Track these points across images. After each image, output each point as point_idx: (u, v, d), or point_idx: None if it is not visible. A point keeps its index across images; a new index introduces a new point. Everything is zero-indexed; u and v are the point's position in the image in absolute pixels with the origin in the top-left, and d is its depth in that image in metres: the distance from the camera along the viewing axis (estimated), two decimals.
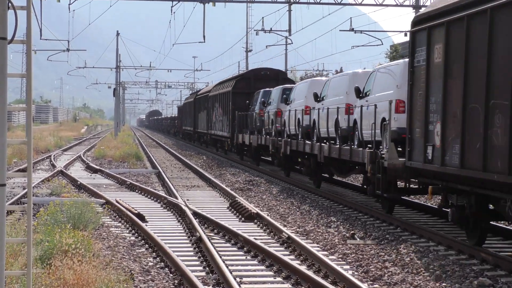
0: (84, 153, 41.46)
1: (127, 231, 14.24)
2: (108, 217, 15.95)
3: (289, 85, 29.63)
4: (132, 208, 16.38)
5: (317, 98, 22.27)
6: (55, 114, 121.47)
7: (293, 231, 14.36)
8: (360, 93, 18.07)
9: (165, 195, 19.49)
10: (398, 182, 16.07)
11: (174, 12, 44.63)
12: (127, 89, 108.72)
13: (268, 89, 32.06)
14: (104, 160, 36.12)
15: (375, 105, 16.67)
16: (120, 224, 15.20)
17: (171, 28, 53.88)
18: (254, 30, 54.33)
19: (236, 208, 17.07)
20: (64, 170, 27.85)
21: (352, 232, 13.96)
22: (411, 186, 16.06)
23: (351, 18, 46.40)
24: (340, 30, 47.03)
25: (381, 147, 16.36)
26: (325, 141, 21.37)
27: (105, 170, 28.33)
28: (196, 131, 56.35)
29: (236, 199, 18.16)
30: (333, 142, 20.57)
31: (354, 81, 19.48)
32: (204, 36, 41.27)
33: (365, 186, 18.24)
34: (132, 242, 12.93)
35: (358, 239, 13.49)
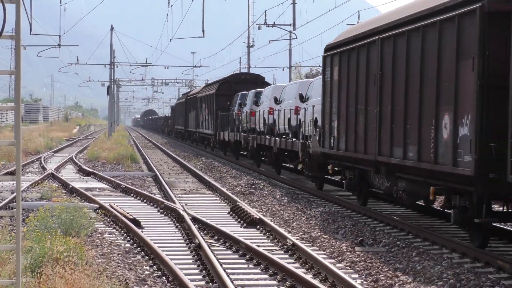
0: (76, 155, 41.49)
1: (122, 238, 14.24)
2: (102, 222, 15.96)
3: (260, 89, 35.51)
4: (127, 213, 16.39)
5: (277, 101, 29.11)
6: (46, 113, 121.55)
7: (298, 237, 14.36)
8: (303, 98, 24.46)
9: (162, 200, 19.50)
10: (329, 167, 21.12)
11: (171, 5, 44.61)
12: (121, 86, 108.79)
13: (245, 92, 37.94)
14: (98, 162, 36.14)
15: (304, 109, 23.98)
16: (114, 230, 15.21)
17: (168, 22, 53.90)
18: (256, 24, 54.37)
19: (237, 213, 17.08)
20: (55, 173, 27.88)
21: (361, 238, 13.96)
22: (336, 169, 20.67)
23: (359, 11, 46.40)
24: (347, 24, 47.00)
25: (310, 139, 22.63)
26: (284, 136, 27.44)
27: (98, 173, 28.36)
28: (187, 130, 63.42)
29: (238, 203, 18.17)
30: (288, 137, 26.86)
31: (302, 88, 25.87)
32: (203, 31, 41.26)
33: (303, 169, 23.82)
34: (127, 249, 12.93)
35: (367, 246, 13.49)
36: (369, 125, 16.29)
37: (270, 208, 19.03)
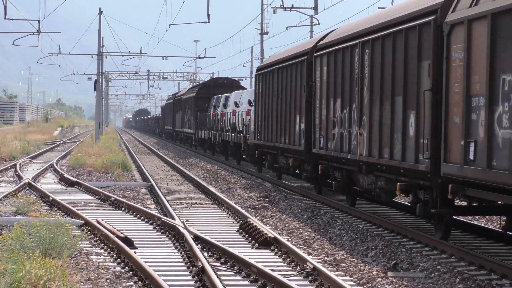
0: (57, 162, 41.62)
1: (111, 260, 14.28)
2: (88, 242, 16.00)
3: (229, 94, 46.85)
4: (118, 230, 16.43)
5: (237, 105, 41.67)
6: (22, 112, 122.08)
7: (320, 260, 14.36)
8: (251, 103, 35.62)
9: (159, 215, 19.54)
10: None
11: None
12: (111, 81, 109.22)
13: (219, 95, 49.30)
14: (83, 170, 36.26)
15: (251, 111, 35.77)
16: (102, 250, 15.25)
17: (167, 5, 54.06)
18: (272, 8, 54.44)
19: (248, 231, 17.10)
20: (33, 183, 27.98)
21: (395, 262, 13.95)
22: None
23: None
24: (379, 8, 46.93)
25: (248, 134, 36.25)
26: (242, 133, 38.84)
27: (83, 183, 28.44)
28: (175, 130, 76.14)
29: (248, 220, 18.19)
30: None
31: (252, 95, 36.45)
32: (208, 15, 41.35)
33: (246, 156, 37.12)
34: (117, 273, 12.96)
35: (401, 270, 13.48)
36: (273, 123, 28.70)
37: (286, 225, 19.05)
